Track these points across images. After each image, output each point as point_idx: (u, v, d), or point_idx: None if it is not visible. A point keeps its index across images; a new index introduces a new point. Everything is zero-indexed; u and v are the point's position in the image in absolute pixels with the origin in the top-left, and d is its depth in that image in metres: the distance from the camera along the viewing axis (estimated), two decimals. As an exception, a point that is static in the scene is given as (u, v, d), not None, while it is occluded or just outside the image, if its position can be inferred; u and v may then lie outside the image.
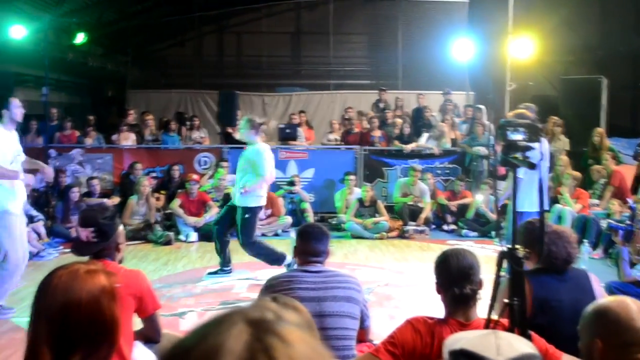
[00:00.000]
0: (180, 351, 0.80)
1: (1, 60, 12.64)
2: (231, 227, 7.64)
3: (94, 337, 1.77)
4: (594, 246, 9.02)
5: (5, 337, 5.52)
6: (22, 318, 5.96)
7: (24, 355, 1.77)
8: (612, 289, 6.21)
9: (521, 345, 1.66)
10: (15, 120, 6.16)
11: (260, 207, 7.60)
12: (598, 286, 3.41)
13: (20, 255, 6.00)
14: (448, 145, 12.22)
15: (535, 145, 2.55)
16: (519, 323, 2.51)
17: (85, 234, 3.34)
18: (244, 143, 12.91)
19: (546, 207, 6.68)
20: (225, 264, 7.77)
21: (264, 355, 0.77)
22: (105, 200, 10.36)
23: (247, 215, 7.29)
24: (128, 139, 12.43)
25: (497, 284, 2.60)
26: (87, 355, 1.75)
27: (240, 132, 7.50)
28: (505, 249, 2.58)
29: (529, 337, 2.53)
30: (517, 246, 2.58)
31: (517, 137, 2.53)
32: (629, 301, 2.12)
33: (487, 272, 2.92)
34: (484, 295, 2.87)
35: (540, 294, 3.23)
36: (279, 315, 0.84)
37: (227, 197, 11.00)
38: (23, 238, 6.14)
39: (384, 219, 10.72)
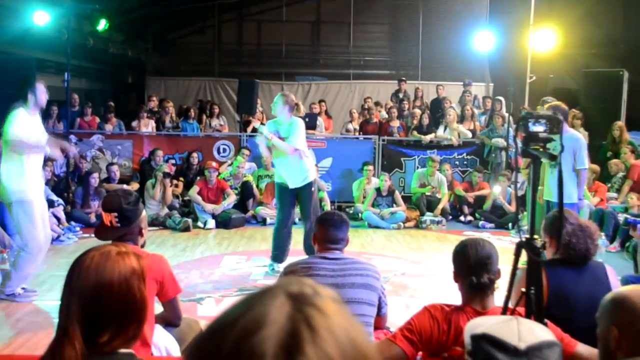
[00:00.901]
0: (228, 320, 0.85)
1: (24, 46, 12.76)
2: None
3: (123, 317, 1.82)
4: (611, 240, 9.00)
5: (25, 320, 5.61)
6: (43, 301, 6.07)
7: (55, 333, 1.82)
8: (629, 283, 6.21)
9: (542, 332, 1.68)
10: (40, 106, 6.24)
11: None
12: (615, 279, 3.42)
13: (42, 240, 6.08)
14: (454, 133, 12.15)
15: (555, 137, 2.57)
16: (536, 312, 2.54)
17: (108, 218, 3.39)
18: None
19: (575, 199, 6.65)
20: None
21: (304, 324, 0.82)
22: (124, 186, 10.47)
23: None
24: (148, 126, 12.53)
25: (514, 273, 2.63)
26: (115, 335, 1.81)
27: (273, 107, 7.23)
28: (523, 238, 2.60)
29: (545, 325, 2.56)
30: (536, 236, 2.60)
31: (538, 128, 2.55)
32: (646, 290, 2.13)
33: (504, 263, 2.95)
34: (501, 285, 2.90)
35: (556, 285, 3.25)
36: (316, 290, 0.90)
37: (244, 185, 11.07)
38: (45, 223, 6.23)
39: (401, 209, 10.74)
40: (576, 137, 6.78)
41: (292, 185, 7.19)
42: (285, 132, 7.10)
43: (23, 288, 6.17)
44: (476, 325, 1.75)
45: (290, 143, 7.01)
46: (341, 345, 0.84)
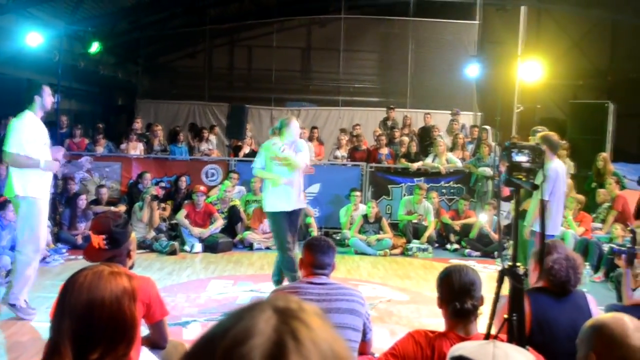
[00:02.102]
0: (219, 331, 0.91)
1: (16, 67, 12.81)
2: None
3: (113, 335, 1.85)
4: (595, 269, 9.07)
5: (11, 340, 5.58)
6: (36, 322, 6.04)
7: (44, 351, 1.84)
8: (613, 312, 6.26)
9: (517, 355, 1.72)
10: (45, 108, 6.32)
11: None
12: (595, 307, 3.47)
13: (41, 243, 6.17)
14: (444, 163, 12.23)
15: (537, 167, 2.63)
16: (517, 338, 2.58)
17: (97, 240, 3.41)
18: (256, 156, 13.07)
19: (556, 232, 6.72)
20: None
21: (290, 336, 0.88)
22: (112, 208, 10.46)
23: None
24: (136, 149, 12.55)
25: (496, 300, 2.67)
26: (106, 353, 1.83)
27: (287, 132, 7.14)
28: (506, 266, 2.65)
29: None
30: (518, 263, 2.65)
31: (522, 158, 2.61)
32: (626, 318, 2.18)
33: (489, 291, 2.99)
34: (484, 312, 2.94)
35: (538, 312, 3.30)
36: (301, 305, 0.96)
37: (232, 209, 11.09)
38: (45, 227, 6.29)
39: (387, 236, 10.77)
40: (549, 167, 6.62)
41: (291, 207, 7.10)
42: (290, 151, 7.14)
43: (25, 301, 6.15)
44: (456, 349, 1.80)
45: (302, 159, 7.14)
46: (324, 356, 0.90)
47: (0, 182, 10.04)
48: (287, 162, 7.04)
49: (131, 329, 1.90)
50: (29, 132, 6.11)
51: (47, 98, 6.26)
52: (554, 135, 6.83)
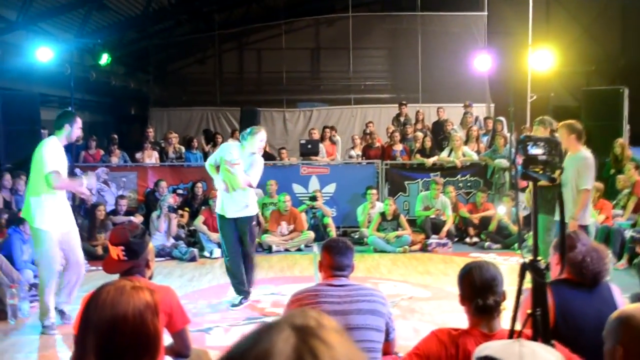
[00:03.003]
0: (237, 353, 0.89)
1: (28, 82, 12.91)
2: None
3: (138, 350, 1.85)
4: (618, 257, 8.98)
5: (34, 355, 5.61)
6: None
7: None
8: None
9: (545, 354, 1.70)
10: (70, 140, 6.42)
11: None
12: (620, 297, 3.42)
13: (55, 269, 6.21)
14: (460, 157, 12.15)
15: (554, 159, 2.60)
16: (542, 333, 2.55)
17: (116, 252, 3.42)
18: (270, 158, 13.04)
19: (587, 221, 6.62)
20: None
21: (310, 355, 0.87)
22: (131, 218, 10.51)
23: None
24: (151, 157, 12.60)
25: (519, 295, 2.64)
26: None
27: (246, 138, 7.11)
28: (527, 260, 2.62)
29: (552, 347, 2.56)
30: (539, 257, 2.62)
31: (537, 151, 2.58)
32: (653, 310, 2.14)
33: (511, 284, 2.96)
34: (508, 307, 2.91)
35: (563, 305, 3.26)
36: (319, 321, 0.94)
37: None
38: (72, 251, 6.35)
39: (406, 233, 10.74)
40: (581, 155, 6.58)
41: (230, 215, 7.11)
42: (245, 163, 7.05)
43: (62, 311, 6.23)
44: (482, 349, 1.78)
45: (248, 176, 6.98)
46: None
47: (18, 197, 10.13)
48: (229, 178, 7.01)
49: (155, 343, 1.90)
50: (57, 156, 6.18)
51: (76, 130, 6.34)
52: (577, 123, 6.72)
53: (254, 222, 7.37)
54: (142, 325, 1.87)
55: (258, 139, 7.08)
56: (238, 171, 6.93)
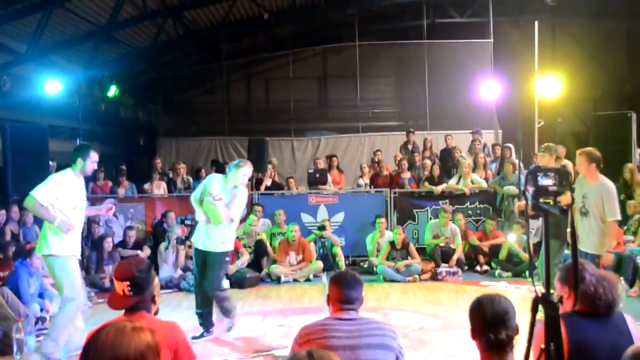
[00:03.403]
0: None
1: (37, 114, 12.98)
2: None
3: None
4: (630, 284, 8.87)
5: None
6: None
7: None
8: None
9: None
10: (85, 173, 6.45)
11: None
12: (634, 327, 3.35)
13: (82, 295, 6.20)
14: (469, 184, 12.08)
15: (564, 190, 2.55)
16: (557, 369, 2.48)
17: (121, 287, 3.37)
18: (278, 188, 13.02)
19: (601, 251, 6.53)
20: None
21: None
22: (138, 252, 10.47)
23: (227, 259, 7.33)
24: (160, 188, 12.60)
25: (532, 329, 2.58)
26: None
27: (230, 169, 7.11)
28: (539, 293, 2.56)
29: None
30: (552, 290, 2.57)
31: (548, 182, 2.54)
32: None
33: (523, 313, 2.89)
34: (520, 340, 2.84)
35: (576, 337, 3.18)
36: None
37: (258, 244, 11.04)
38: (80, 279, 6.34)
39: (416, 262, 10.64)
40: (606, 185, 6.48)
41: (203, 247, 7.07)
42: (227, 196, 6.97)
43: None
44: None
45: (230, 210, 6.91)
46: None
47: (25, 230, 10.13)
48: (210, 210, 6.95)
49: (156, 385, 1.85)
50: (64, 189, 6.20)
51: (90, 164, 6.38)
52: (596, 151, 6.64)
53: (227, 259, 7.29)
54: None
55: (241, 173, 7.02)
56: (219, 206, 6.89)
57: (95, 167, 6.56)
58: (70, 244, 6.21)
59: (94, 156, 6.40)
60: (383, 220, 11.45)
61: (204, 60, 20.21)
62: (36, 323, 7.25)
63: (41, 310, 7.81)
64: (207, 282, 7.05)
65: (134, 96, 18.55)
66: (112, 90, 14.00)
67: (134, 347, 1.84)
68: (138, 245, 10.99)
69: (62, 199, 6.16)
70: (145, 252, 10.64)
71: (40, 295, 8.13)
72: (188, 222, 11.79)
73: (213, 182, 7.10)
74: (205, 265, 7.06)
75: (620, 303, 3.40)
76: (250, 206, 11.87)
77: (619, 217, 6.52)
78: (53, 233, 6.14)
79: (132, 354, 1.82)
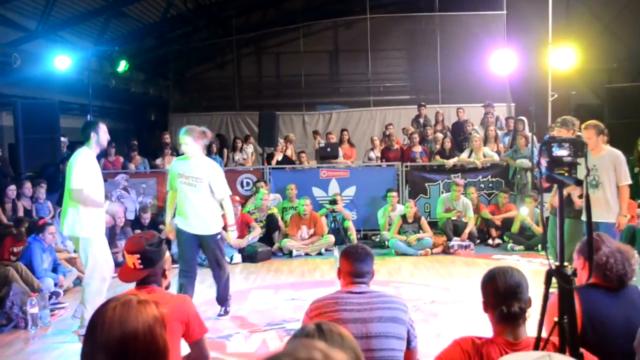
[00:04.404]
0: None
1: (47, 90, 12.98)
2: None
3: None
4: (645, 256, 8.80)
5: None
6: (71, 344, 6.05)
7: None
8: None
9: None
10: (101, 145, 6.44)
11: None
12: (648, 301, 3.31)
13: (106, 273, 6.25)
14: (480, 158, 12.01)
15: (580, 160, 2.51)
16: (570, 341, 2.45)
17: (131, 260, 3.38)
18: (289, 162, 12.97)
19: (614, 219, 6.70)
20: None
21: None
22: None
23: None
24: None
25: (545, 302, 2.55)
26: None
27: (181, 143, 6.66)
28: (553, 266, 2.53)
29: (581, 356, 2.47)
30: (565, 263, 2.53)
31: (562, 152, 2.49)
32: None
33: (536, 286, 2.86)
34: (533, 313, 2.81)
35: (590, 310, 3.15)
36: (326, 354, 0.85)
37: (270, 218, 11.04)
38: (108, 257, 6.37)
39: (427, 235, 10.62)
40: (614, 153, 6.84)
41: (193, 231, 6.72)
42: (197, 172, 6.60)
43: None
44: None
45: (219, 191, 6.63)
46: None
47: (38, 206, 10.17)
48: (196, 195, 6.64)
49: (164, 357, 1.84)
50: (90, 169, 6.23)
51: (103, 135, 6.35)
52: (600, 123, 6.92)
53: (219, 237, 6.87)
54: (152, 341, 1.81)
55: (187, 139, 6.57)
56: (226, 206, 6.75)
57: (109, 137, 6.53)
58: (93, 225, 6.23)
59: (103, 127, 6.39)
60: (395, 194, 11.41)
61: (214, 35, 20.13)
62: (50, 297, 7.29)
63: (55, 284, 7.86)
64: (211, 265, 6.89)
65: (144, 72, 18.52)
66: (122, 66, 13.94)
67: (142, 320, 1.83)
68: (154, 225, 10.92)
69: (92, 179, 6.20)
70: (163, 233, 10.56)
71: (54, 270, 8.19)
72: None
73: (179, 167, 6.72)
74: (197, 250, 6.85)
75: (634, 276, 3.36)
76: (256, 181, 11.89)
77: (631, 181, 6.70)
78: (85, 214, 6.15)
79: (140, 327, 1.81)
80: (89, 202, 6.14)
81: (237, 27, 19.31)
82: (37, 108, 11.56)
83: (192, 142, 6.58)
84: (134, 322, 1.81)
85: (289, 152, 13.71)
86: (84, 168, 6.15)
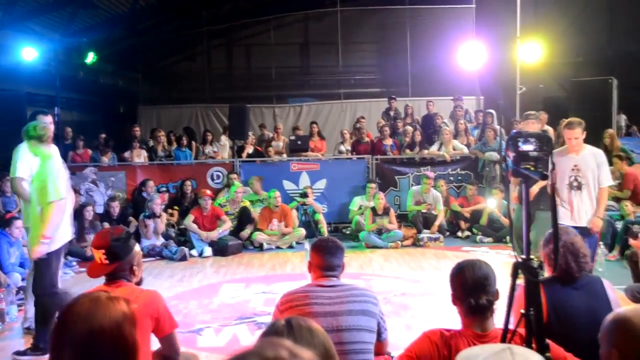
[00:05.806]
0: None
1: (13, 81, 12.76)
2: None
3: None
4: (610, 248, 8.97)
5: None
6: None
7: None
8: (635, 294, 6.15)
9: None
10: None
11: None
12: (612, 292, 3.38)
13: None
14: (450, 151, 12.12)
15: (545, 155, 2.54)
16: (536, 333, 2.50)
17: (98, 255, 3.36)
18: (259, 155, 12.91)
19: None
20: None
21: None
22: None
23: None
24: (140, 156, 12.49)
25: (512, 294, 2.59)
26: None
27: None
28: (519, 259, 2.57)
29: (547, 347, 2.52)
30: (532, 256, 2.57)
31: (528, 147, 2.52)
32: (648, 313, 2.08)
33: (504, 278, 2.91)
34: (500, 306, 2.86)
35: (554, 302, 3.22)
36: (293, 353, 0.86)
37: (243, 211, 11.01)
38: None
39: (394, 228, 10.68)
40: (598, 152, 6.47)
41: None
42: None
43: None
44: (470, 357, 1.71)
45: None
46: None
47: (4, 199, 10.02)
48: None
49: (133, 354, 1.83)
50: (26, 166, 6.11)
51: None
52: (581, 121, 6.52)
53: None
54: (120, 338, 1.80)
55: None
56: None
57: (53, 127, 6.19)
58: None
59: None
60: (373, 185, 11.47)
61: (184, 27, 19.93)
62: (17, 292, 7.20)
63: (22, 279, 7.76)
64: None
65: (113, 63, 18.26)
66: (90, 57, 13.78)
67: (109, 317, 1.81)
68: (124, 217, 10.85)
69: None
70: (133, 226, 10.49)
71: (22, 265, 8.08)
72: (164, 189, 11.75)
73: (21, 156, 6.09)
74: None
75: (585, 269, 3.43)
76: (228, 174, 11.86)
77: (613, 182, 6.45)
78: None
79: (107, 324, 1.80)
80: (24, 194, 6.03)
81: (208, 19, 19.15)
82: (3, 100, 11.38)
83: None
84: (101, 318, 1.80)
85: (280, 144, 13.54)
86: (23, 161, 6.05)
